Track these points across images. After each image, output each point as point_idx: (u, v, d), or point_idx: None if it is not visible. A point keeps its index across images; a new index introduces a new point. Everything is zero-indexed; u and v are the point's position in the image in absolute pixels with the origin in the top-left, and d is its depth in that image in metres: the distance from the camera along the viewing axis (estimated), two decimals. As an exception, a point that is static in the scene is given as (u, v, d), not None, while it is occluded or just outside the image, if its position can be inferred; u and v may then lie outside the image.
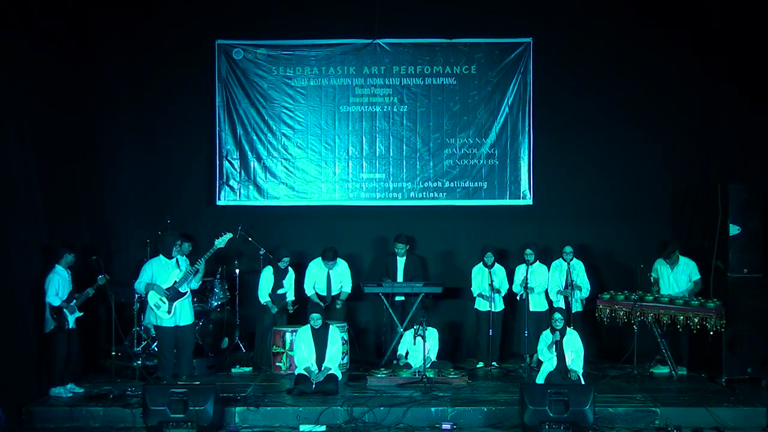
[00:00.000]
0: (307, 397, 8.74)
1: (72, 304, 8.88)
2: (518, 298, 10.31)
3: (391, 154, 11.30)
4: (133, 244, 10.89)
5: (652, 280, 10.03)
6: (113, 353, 9.00)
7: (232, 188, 11.29)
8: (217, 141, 11.25)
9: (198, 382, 8.98)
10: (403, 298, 10.64)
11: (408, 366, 9.71)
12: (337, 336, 9.39)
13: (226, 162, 11.28)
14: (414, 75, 11.24)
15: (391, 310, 10.45)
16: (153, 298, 9.10)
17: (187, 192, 11.27)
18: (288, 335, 9.92)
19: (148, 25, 10.98)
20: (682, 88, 10.95)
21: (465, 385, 9.31)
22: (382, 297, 10.45)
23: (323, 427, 8.18)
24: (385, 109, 11.28)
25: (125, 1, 10.87)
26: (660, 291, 9.94)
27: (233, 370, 10.14)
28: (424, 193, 11.29)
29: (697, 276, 9.93)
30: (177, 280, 9.16)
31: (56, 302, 8.78)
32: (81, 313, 8.99)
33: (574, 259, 10.32)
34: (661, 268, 10.08)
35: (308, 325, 9.27)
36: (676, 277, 9.98)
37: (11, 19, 8.88)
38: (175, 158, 11.20)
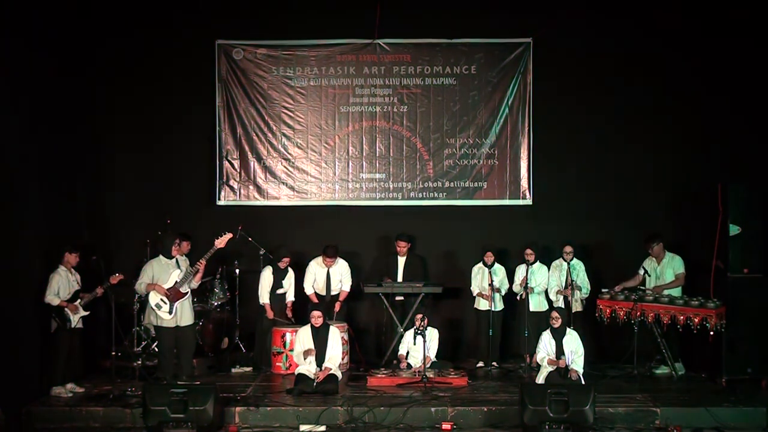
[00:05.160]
0: (307, 397, 8.74)
1: (77, 303, 8.89)
2: (518, 298, 10.32)
3: (391, 154, 11.30)
4: (133, 244, 10.88)
5: (641, 274, 10.01)
6: (113, 353, 9.00)
7: (232, 188, 11.30)
8: (217, 141, 11.25)
9: (198, 382, 8.99)
10: (402, 298, 10.64)
11: (408, 366, 9.72)
12: (337, 336, 9.38)
13: (226, 162, 11.28)
14: (414, 75, 11.24)
15: (391, 310, 10.45)
16: (154, 298, 9.10)
17: (187, 192, 11.26)
18: (288, 335, 9.93)
19: (148, 26, 10.96)
20: (682, 88, 10.94)
21: (465, 385, 9.31)
22: (382, 297, 10.45)
23: (323, 427, 8.19)
24: (385, 109, 11.28)
25: (125, 1, 10.87)
26: (646, 285, 9.95)
27: (233, 370, 10.14)
28: (424, 193, 11.29)
29: (680, 270, 9.94)
30: (178, 281, 9.16)
31: (55, 302, 8.78)
32: (87, 313, 8.99)
33: (574, 259, 10.32)
34: (649, 263, 10.10)
35: (308, 325, 9.26)
36: (662, 271, 10.01)
37: (11, 19, 8.88)
38: (175, 158, 11.19)
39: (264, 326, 10.33)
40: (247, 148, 11.29)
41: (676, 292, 9.89)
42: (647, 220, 10.91)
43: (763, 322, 9.57)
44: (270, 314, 10.26)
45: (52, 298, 8.79)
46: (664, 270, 10.01)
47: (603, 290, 9.96)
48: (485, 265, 10.35)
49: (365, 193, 11.32)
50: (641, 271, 10.02)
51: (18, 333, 8.56)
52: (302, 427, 8.21)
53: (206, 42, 11.16)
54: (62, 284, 8.88)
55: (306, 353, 9.10)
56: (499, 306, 10.40)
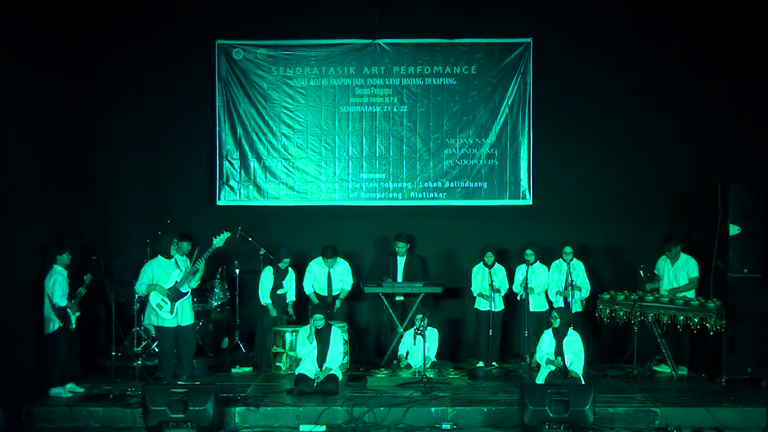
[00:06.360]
0: (307, 397, 8.74)
1: (72, 303, 8.89)
2: (518, 298, 10.32)
3: (391, 154, 11.30)
4: (133, 244, 10.90)
5: (644, 276, 9.97)
6: (113, 353, 9.00)
7: (232, 188, 11.29)
8: (217, 141, 11.25)
9: (198, 382, 8.99)
10: (402, 298, 10.64)
11: (408, 366, 9.72)
12: (339, 336, 9.38)
13: (226, 162, 11.28)
14: (414, 75, 11.24)
15: (391, 310, 10.46)
16: (155, 298, 9.10)
17: (187, 192, 11.27)
18: (288, 335, 9.93)
19: (148, 26, 10.98)
20: (682, 88, 10.96)
21: (465, 385, 9.32)
22: (382, 297, 10.45)
23: (323, 427, 8.19)
24: (385, 109, 11.28)
25: (126, 1, 10.87)
26: (660, 288, 9.95)
27: (233, 370, 10.14)
28: (424, 193, 11.29)
29: (694, 274, 9.92)
30: (178, 281, 9.16)
31: (63, 302, 8.77)
32: (79, 313, 8.99)
33: (574, 259, 10.32)
34: (662, 264, 10.09)
35: (309, 325, 9.26)
36: (676, 273, 9.99)
37: (12, 19, 8.88)
38: (175, 158, 11.20)
39: (264, 326, 10.33)
40: (247, 148, 11.29)
41: (689, 295, 9.85)
42: (647, 220, 10.94)
43: (763, 322, 9.59)
44: (272, 313, 10.27)
45: (61, 299, 8.78)
46: (678, 272, 9.99)
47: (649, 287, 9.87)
48: (485, 265, 10.34)
49: (365, 193, 11.32)
50: (656, 273, 10.04)
51: (18, 333, 8.54)
52: (302, 427, 8.22)
53: (206, 42, 11.16)
54: (65, 285, 8.87)
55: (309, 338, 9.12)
56: (500, 306, 10.39)
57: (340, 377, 9.22)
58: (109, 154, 11.06)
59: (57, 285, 8.76)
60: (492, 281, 10.23)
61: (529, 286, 10.09)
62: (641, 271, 9.95)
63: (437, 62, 11.19)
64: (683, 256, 10.00)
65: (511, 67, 11.16)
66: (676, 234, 10.26)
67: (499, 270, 10.45)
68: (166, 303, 9.10)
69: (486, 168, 11.24)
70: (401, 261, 10.75)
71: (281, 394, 8.98)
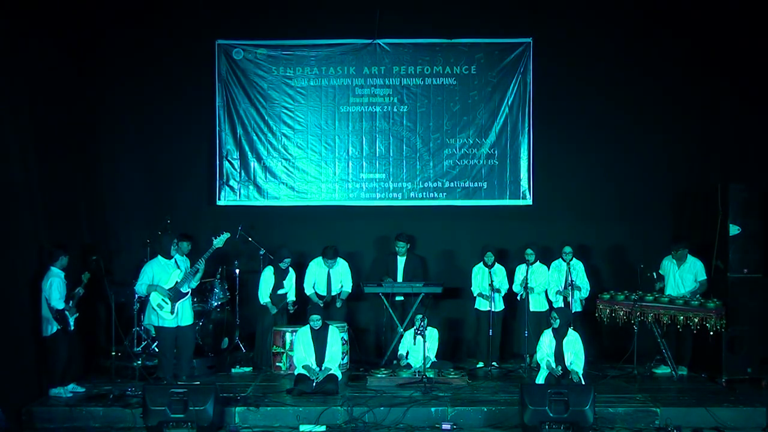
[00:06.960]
0: (307, 397, 8.74)
1: (70, 304, 8.88)
2: (518, 298, 10.32)
3: (391, 154, 11.30)
4: (133, 244, 10.90)
5: (655, 276, 9.97)
6: (113, 353, 9.00)
7: (232, 188, 11.30)
8: (217, 141, 11.26)
9: (198, 382, 8.98)
10: (402, 298, 10.64)
11: (408, 366, 9.72)
12: (336, 336, 9.38)
13: (226, 162, 11.28)
14: (414, 75, 11.24)
15: (391, 310, 10.45)
16: (156, 298, 9.09)
17: (187, 192, 11.27)
18: (288, 335, 9.93)
19: (148, 26, 10.98)
20: (683, 88, 10.96)
21: (465, 385, 9.31)
22: (382, 297, 10.45)
23: (323, 427, 8.19)
24: (385, 109, 11.28)
25: (125, 2, 10.87)
26: (665, 289, 9.94)
27: (233, 370, 10.14)
28: (424, 193, 11.29)
29: (703, 276, 9.89)
30: (178, 281, 9.16)
31: (61, 305, 8.75)
32: (78, 314, 8.98)
33: (574, 259, 10.32)
34: (668, 265, 10.07)
35: (308, 325, 9.26)
36: (682, 275, 9.96)
37: (12, 19, 8.88)
38: (175, 158, 11.20)
39: (264, 326, 10.33)
40: (247, 148, 11.29)
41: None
42: (647, 220, 10.95)
43: (763, 322, 9.58)
44: (272, 311, 10.27)
45: (59, 302, 8.77)
46: (684, 274, 9.96)
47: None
48: (485, 265, 10.34)
49: (365, 193, 11.32)
50: (661, 273, 10.04)
51: (18, 333, 8.54)
52: (302, 427, 8.22)
53: (206, 42, 11.17)
54: (62, 288, 8.85)
55: (306, 368, 9.10)
56: (500, 306, 10.39)
57: (340, 377, 9.22)
58: (109, 154, 11.06)
59: (54, 288, 8.74)
60: (492, 281, 10.23)
61: (529, 286, 10.10)
62: (654, 276, 9.94)
63: (437, 62, 11.19)
64: (690, 259, 9.97)
65: (511, 67, 11.17)
66: (684, 236, 10.24)
67: (499, 270, 10.45)
68: (167, 303, 9.10)
69: (486, 168, 11.24)
70: (401, 261, 10.75)
71: (281, 394, 8.98)
